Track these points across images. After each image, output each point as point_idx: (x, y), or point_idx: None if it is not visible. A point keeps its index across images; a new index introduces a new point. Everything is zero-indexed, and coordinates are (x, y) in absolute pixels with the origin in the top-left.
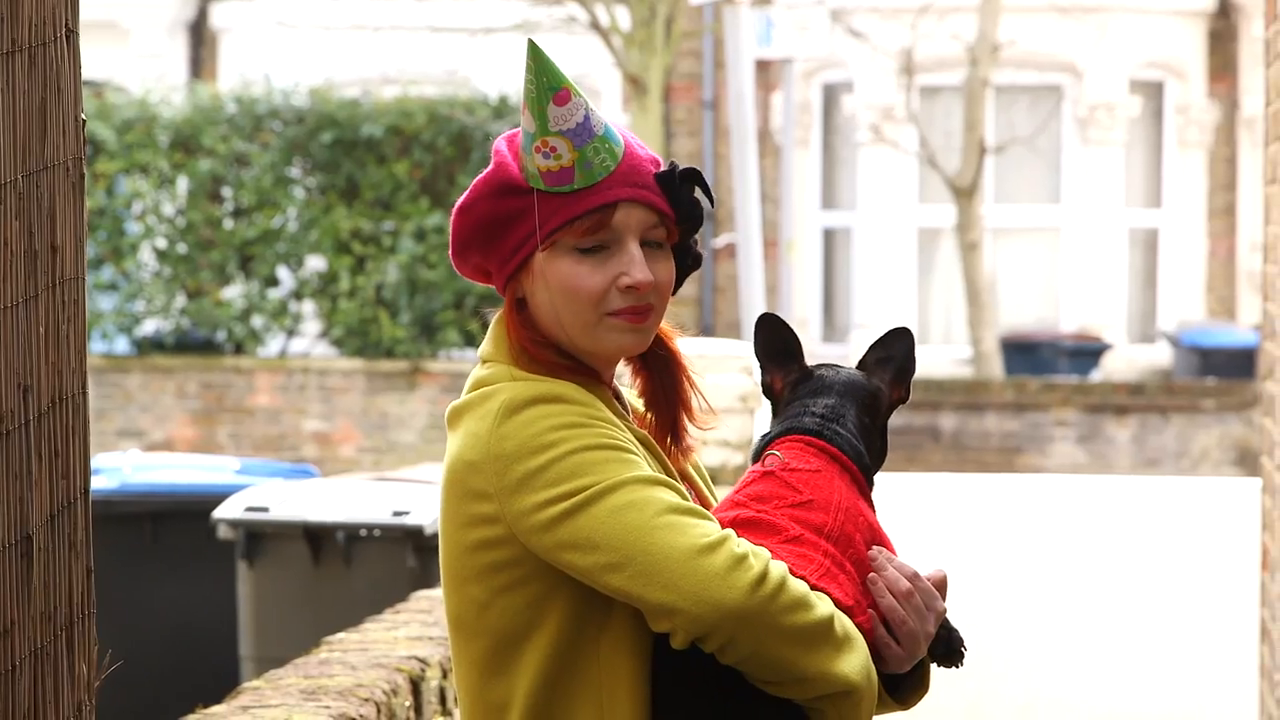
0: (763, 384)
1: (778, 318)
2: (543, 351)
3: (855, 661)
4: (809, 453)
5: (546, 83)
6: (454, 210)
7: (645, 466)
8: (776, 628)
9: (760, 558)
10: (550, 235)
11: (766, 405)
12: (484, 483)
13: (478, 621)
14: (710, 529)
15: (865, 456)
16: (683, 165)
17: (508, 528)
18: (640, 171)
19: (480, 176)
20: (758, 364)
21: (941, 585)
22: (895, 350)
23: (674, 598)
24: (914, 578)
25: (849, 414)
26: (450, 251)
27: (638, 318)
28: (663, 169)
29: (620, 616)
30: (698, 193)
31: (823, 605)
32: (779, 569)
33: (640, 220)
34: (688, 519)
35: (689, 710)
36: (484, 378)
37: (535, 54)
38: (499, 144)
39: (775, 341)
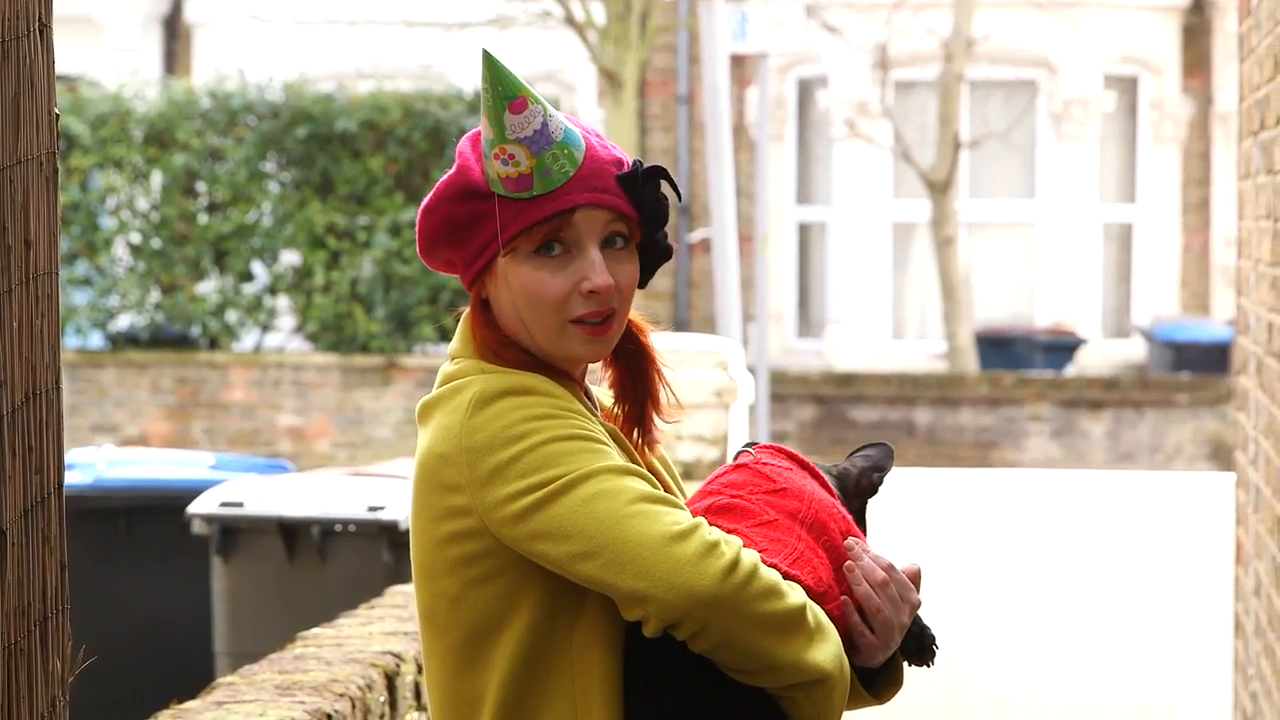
0: None
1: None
2: (508, 351)
3: (828, 650)
4: (782, 455)
5: (502, 91)
6: (419, 210)
7: (616, 456)
8: (748, 615)
9: (732, 545)
10: (511, 241)
11: (742, 400)
12: (455, 475)
13: (449, 615)
14: (682, 517)
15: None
16: (649, 163)
17: (479, 520)
18: (601, 175)
19: (444, 178)
20: None
21: (916, 579)
22: (875, 451)
23: (645, 585)
24: (889, 568)
25: (820, 471)
26: (418, 249)
27: (599, 329)
28: (626, 169)
29: (593, 608)
30: (665, 188)
31: (795, 594)
32: (750, 557)
33: (601, 223)
34: (659, 507)
35: (661, 701)
36: (453, 372)
37: (490, 63)
38: (463, 145)
39: None
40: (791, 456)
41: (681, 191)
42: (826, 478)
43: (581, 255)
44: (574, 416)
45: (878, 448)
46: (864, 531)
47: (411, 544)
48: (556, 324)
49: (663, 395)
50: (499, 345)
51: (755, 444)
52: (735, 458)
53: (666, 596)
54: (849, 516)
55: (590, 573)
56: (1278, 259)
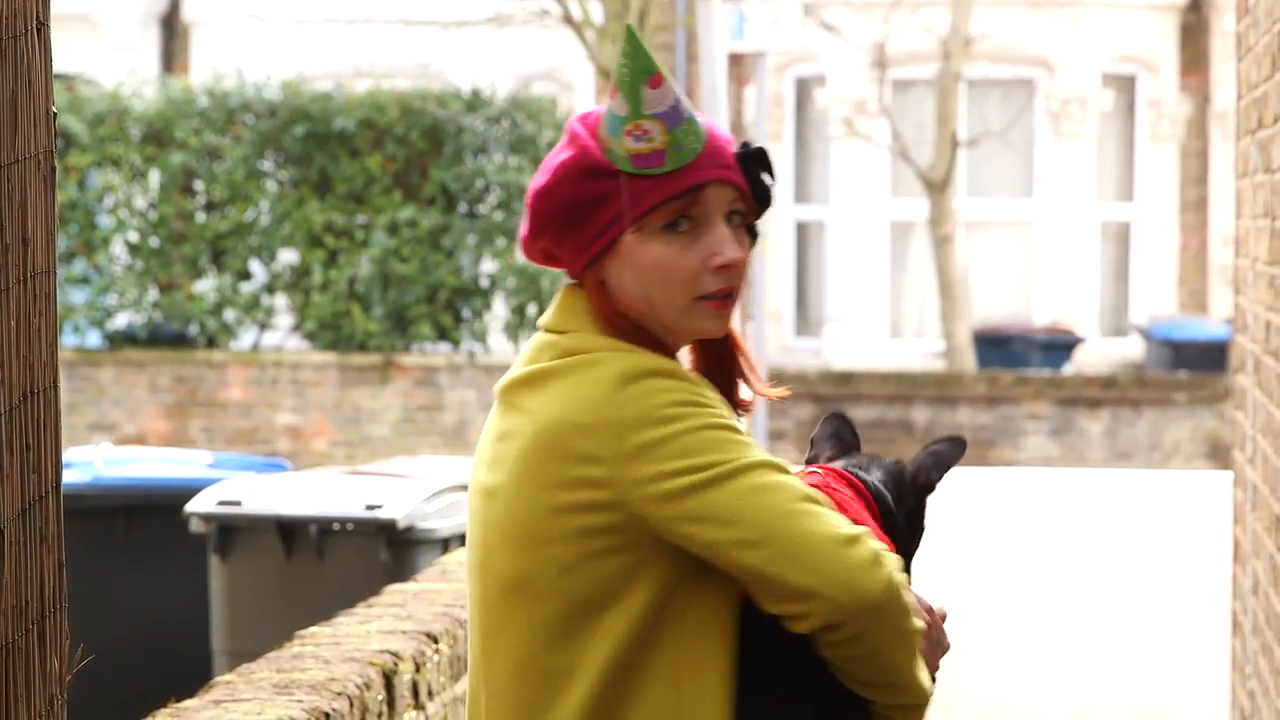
0: (807, 457)
1: (846, 418)
2: (627, 324)
3: (928, 676)
4: (841, 481)
5: (640, 66)
6: (531, 193)
7: (764, 452)
8: (896, 629)
9: (889, 557)
10: (641, 217)
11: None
12: (594, 446)
13: (554, 583)
14: (845, 521)
15: (889, 502)
16: (753, 145)
17: (618, 494)
18: (723, 152)
19: (558, 159)
20: (812, 444)
21: (943, 622)
22: (946, 447)
23: (818, 582)
24: (930, 611)
25: (875, 473)
26: (523, 235)
27: (725, 304)
28: (739, 149)
29: (710, 597)
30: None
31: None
32: (901, 573)
33: (726, 200)
34: (824, 510)
35: (775, 701)
36: (572, 345)
37: (631, 38)
38: (575, 125)
39: (842, 432)
40: (850, 484)
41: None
42: (884, 476)
43: (710, 231)
44: (718, 407)
45: (950, 444)
46: (921, 529)
47: (507, 507)
48: (686, 300)
49: (749, 374)
50: (620, 320)
51: (818, 463)
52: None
53: (839, 597)
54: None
55: (753, 562)
56: (1275, 257)
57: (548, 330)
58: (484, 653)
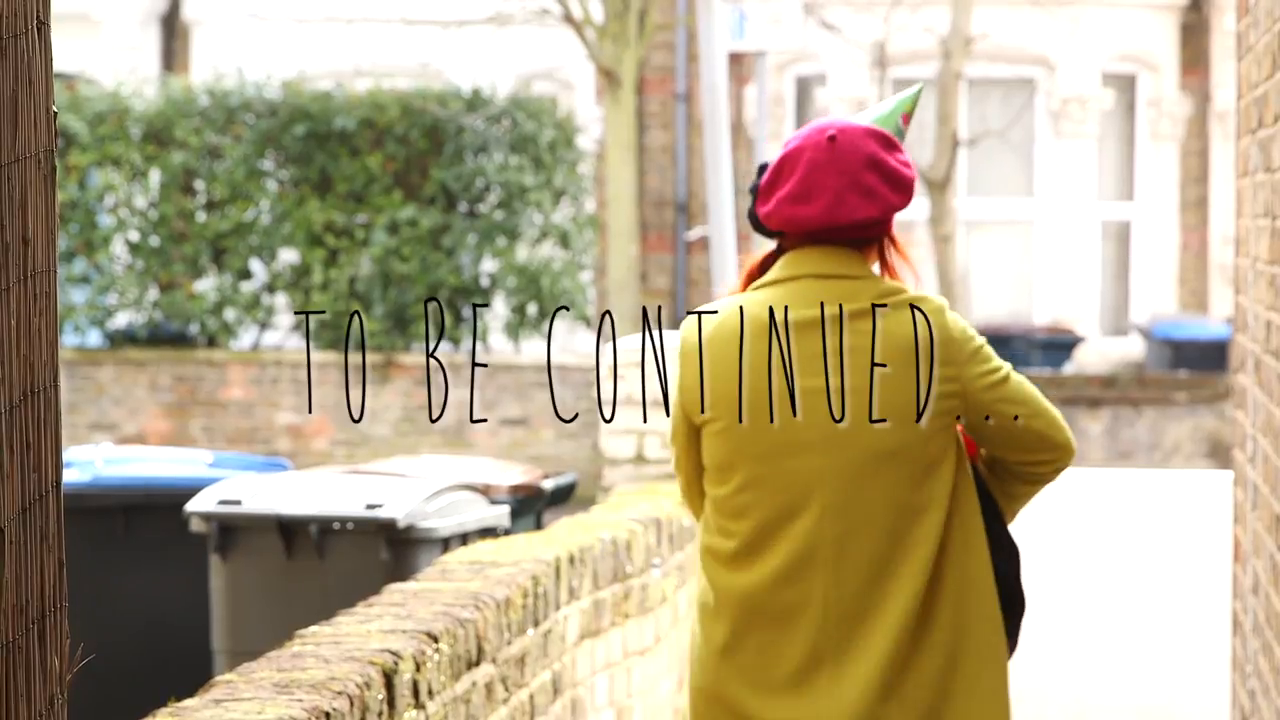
0: None
1: None
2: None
3: None
4: None
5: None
6: (910, 173)
7: None
8: None
9: None
10: None
11: None
12: (948, 355)
13: (920, 449)
14: None
15: None
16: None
17: (962, 385)
18: None
19: (906, 155)
20: None
21: None
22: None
23: (1066, 439)
24: None
25: None
26: (898, 201)
27: None
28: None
29: (962, 452)
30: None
31: None
32: None
33: None
34: None
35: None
36: (891, 288)
37: (919, 95)
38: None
39: None
40: None
41: (680, 189)
42: None
43: None
44: None
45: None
46: None
47: (892, 401)
48: None
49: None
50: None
51: None
52: None
53: (1072, 450)
54: None
55: (1038, 427)
56: (1276, 257)
57: (843, 277)
58: (847, 502)
